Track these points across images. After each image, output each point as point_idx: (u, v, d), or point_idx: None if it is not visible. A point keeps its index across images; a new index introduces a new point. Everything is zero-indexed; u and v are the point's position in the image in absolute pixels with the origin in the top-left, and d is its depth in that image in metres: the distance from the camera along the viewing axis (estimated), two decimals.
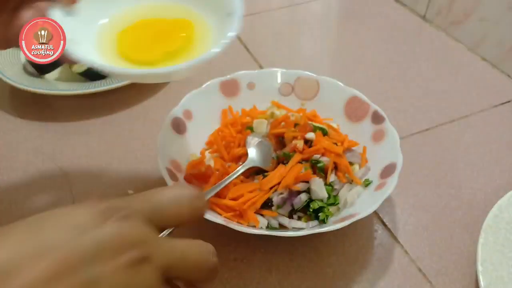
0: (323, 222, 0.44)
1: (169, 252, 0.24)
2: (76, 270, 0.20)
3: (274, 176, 0.44)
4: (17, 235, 0.21)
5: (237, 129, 0.51)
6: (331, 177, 0.46)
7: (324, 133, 0.49)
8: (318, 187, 0.44)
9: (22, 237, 0.21)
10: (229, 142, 0.50)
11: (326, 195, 0.45)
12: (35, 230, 0.21)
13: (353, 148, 0.50)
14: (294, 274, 0.43)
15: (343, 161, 0.47)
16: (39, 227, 0.22)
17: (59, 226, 0.22)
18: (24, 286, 0.19)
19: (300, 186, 0.44)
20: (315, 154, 0.47)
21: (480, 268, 0.40)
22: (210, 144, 0.51)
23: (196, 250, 0.26)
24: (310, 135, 0.48)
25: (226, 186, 0.44)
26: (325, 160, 0.47)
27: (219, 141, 0.50)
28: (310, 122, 0.51)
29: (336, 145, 0.49)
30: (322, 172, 0.47)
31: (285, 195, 0.44)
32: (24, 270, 0.20)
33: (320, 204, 0.44)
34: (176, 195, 0.26)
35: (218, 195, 0.45)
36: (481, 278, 0.40)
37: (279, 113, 0.53)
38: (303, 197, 0.44)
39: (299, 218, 0.45)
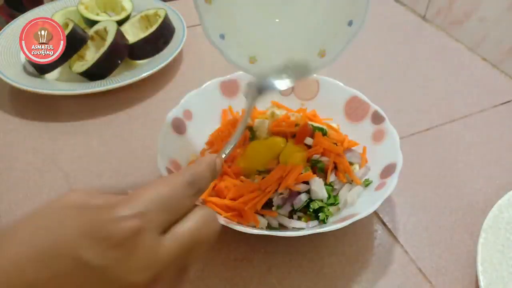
0: (323, 222, 0.44)
1: (180, 253, 0.24)
2: None
3: (274, 177, 0.44)
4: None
5: None
6: (331, 177, 0.46)
7: (324, 133, 0.49)
8: (318, 187, 0.44)
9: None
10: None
11: (326, 195, 0.45)
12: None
13: (353, 148, 0.50)
14: (294, 274, 0.43)
15: (343, 161, 0.47)
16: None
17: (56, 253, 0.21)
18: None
19: (301, 187, 0.44)
20: (315, 154, 0.47)
21: (480, 268, 0.40)
22: (210, 144, 0.51)
23: (206, 233, 0.25)
24: (309, 141, 0.48)
25: (225, 186, 0.44)
26: (325, 160, 0.47)
27: (219, 141, 0.50)
28: (310, 122, 0.51)
29: (336, 145, 0.49)
30: (322, 172, 0.47)
31: (285, 195, 0.44)
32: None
33: (320, 204, 0.44)
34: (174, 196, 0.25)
35: (218, 195, 0.45)
36: (481, 278, 0.40)
37: (279, 113, 0.53)
38: (303, 197, 0.44)
39: (299, 218, 0.45)
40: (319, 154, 0.47)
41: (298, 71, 0.41)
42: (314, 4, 0.41)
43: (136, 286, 0.22)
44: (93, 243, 0.21)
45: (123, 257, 0.22)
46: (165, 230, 0.24)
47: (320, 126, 0.50)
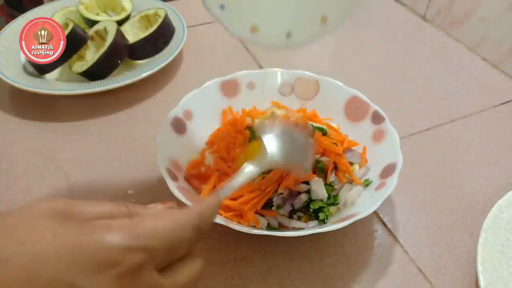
0: (323, 222, 0.44)
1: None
2: None
3: (274, 177, 0.44)
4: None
5: (237, 129, 0.51)
6: (331, 177, 0.46)
7: (324, 133, 0.49)
8: (318, 187, 0.44)
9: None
10: (229, 142, 0.50)
11: (326, 195, 0.45)
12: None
13: (353, 148, 0.50)
14: (294, 274, 0.43)
15: (343, 161, 0.47)
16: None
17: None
18: None
19: (301, 187, 0.44)
20: (315, 154, 0.47)
21: (480, 268, 0.40)
22: (210, 144, 0.51)
23: (196, 281, 0.27)
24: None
25: None
26: (325, 160, 0.47)
27: (219, 141, 0.50)
28: (310, 122, 0.51)
29: (336, 145, 0.49)
30: (322, 172, 0.47)
31: (285, 195, 0.44)
32: None
33: (320, 204, 0.44)
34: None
35: None
36: (481, 278, 0.40)
37: (279, 113, 0.53)
38: (303, 197, 0.44)
39: (299, 218, 0.45)
40: (319, 154, 0.47)
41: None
42: None
43: None
44: (93, 271, 0.20)
45: None
46: (162, 267, 0.24)
47: (320, 126, 0.51)
